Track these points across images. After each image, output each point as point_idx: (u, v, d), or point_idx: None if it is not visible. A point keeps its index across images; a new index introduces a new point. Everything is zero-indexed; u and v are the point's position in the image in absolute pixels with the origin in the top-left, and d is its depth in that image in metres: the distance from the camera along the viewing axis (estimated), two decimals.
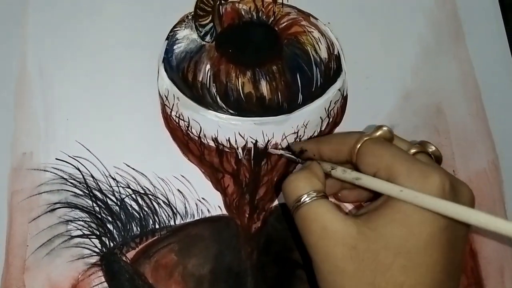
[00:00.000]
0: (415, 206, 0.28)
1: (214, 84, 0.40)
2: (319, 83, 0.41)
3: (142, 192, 0.37)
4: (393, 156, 0.30)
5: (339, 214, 0.30)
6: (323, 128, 0.40)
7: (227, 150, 0.39)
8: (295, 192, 0.31)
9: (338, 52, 0.42)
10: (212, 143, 0.39)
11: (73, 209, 0.36)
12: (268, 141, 0.39)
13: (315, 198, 0.31)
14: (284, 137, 0.39)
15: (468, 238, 0.40)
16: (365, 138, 0.32)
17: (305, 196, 0.31)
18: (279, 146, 0.39)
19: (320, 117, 0.40)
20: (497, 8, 0.46)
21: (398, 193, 0.29)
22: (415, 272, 0.28)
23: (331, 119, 0.41)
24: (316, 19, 0.43)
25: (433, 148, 0.34)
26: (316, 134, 0.40)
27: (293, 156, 0.38)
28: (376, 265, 0.28)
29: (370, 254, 0.28)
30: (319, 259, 0.30)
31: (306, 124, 0.40)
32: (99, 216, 0.36)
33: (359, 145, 0.32)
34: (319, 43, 0.42)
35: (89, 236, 0.35)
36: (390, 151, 0.31)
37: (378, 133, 0.33)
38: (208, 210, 0.37)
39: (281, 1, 0.43)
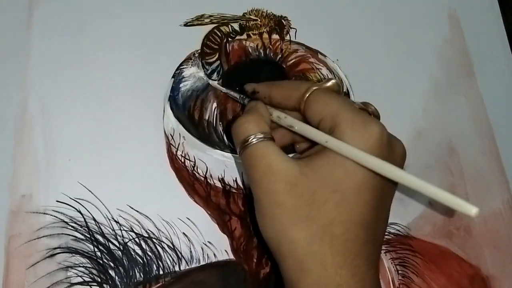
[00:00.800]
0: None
1: (220, 123, 0.39)
2: None
3: (146, 235, 0.35)
4: (339, 105, 0.32)
5: (284, 155, 0.32)
6: None
7: (234, 191, 0.38)
8: (244, 134, 0.33)
9: (347, 89, 0.41)
10: (218, 184, 0.37)
11: (74, 254, 0.34)
12: None
13: (261, 139, 0.32)
14: None
15: (485, 283, 0.38)
16: (315, 88, 0.33)
17: (253, 137, 0.32)
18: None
19: None
20: (506, 46, 0.45)
21: (324, 143, 0.31)
22: (347, 209, 0.30)
23: None
24: (325, 56, 0.42)
25: (373, 108, 0.35)
26: None
27: (236, 95, 0.39)
28: (313, 201, 0.30)
29: (308, 191, 0.30)
30: (261, 194, 0.31)
31: None
32: (101, 262, 0.34)
33: (309, 93, 0.33)
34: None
35: (90, 283, 0.34)
36: (337, 100, 0.33)
37: (328, 84, 0.34)
38: (214, 254, 0.36)
39: (289, 38, 0.42)
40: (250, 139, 0.32)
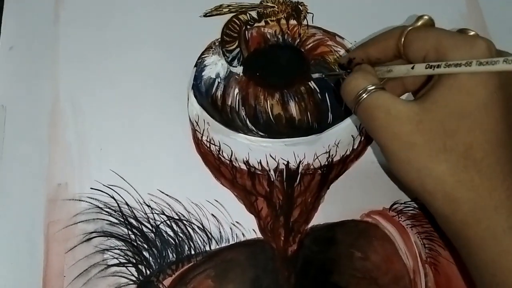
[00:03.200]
0: (467, 74, 0.30)
1: (243, 108, 0.40)
2: None
3: (177, 218, 0.37)
4: (438, 35, 0.32)
5: (399, 99, 0.32)
6: (355, 146, 0.40)
7: (259, 172, 0.39)
8: (355, 90, 0.33)
9: None
10: (243, 166, 0.39)
11: (109, 237, 0.36)
12: (300, 161, 0.39)
13: (374, 90, 0.33)
14: (316, 157, 0.39)
15: None
16: (409, 28, 0.34)
17: (363, 90, 0.33)
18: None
19: (352, 136, 0.40)
20: None
21: (443, 69, 0.31)
22: (481, 131, 0.30)
23: (363, 137, 0.40)
24: (342, 38, 0.43)
25: (473, 32, 0.34)
26: (348, 152, 0.40)
27: (336, 71, 0.40)
28: (444, 131, 0.30)
29: (436, 123, 0.30)
30: (388, 141, 0.32)
31: (338, 143, 0.39)
32: (135, 244, 0.36)
33: (404, 35, 0.34)
34: None
35: (126, 265, 0.35)
36: (434, 32, 0.33)
37: (420, 22, 0.35)
38: (242, 234, 0.37)
39: (306, 23, 0.43)
40: (362, 93, 0.33)
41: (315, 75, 0.40)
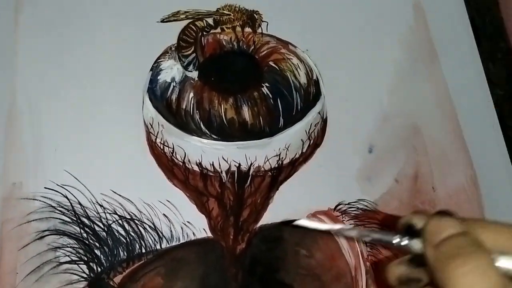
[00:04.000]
0: None
1: (197, 111, 0.41)
2: (299, 107, 0.42)
3: (129, 217, 0.38)
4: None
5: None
6: (304, 150, 0.42)
7: (211, 174, 0.40)
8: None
9: (317, 77, 0.44)
10: (196, 168, 0.40)
11: (62, 236, 0.37)
12: (251, 164, 0.40)
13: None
14: (266, 159, 0.41)
15: None
16: None
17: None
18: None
19: (301, 140, 0.42)
20: (469, 30, 0.48)
21: None
22: None
23: (312, 141, 0.42)
24: (295, 46, 0.45)
25: None
26: (297, 156, 0.41)
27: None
28: None
29: None
30: None
31: (288, 147, 0.41)
32: (87, 242, 0.37)
33: None
34: (298, 69, 0.43)
35: (77, 262, 0.36)
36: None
37: None
38: (193, 233, 0.38)
39: (260, 31, 0.45)
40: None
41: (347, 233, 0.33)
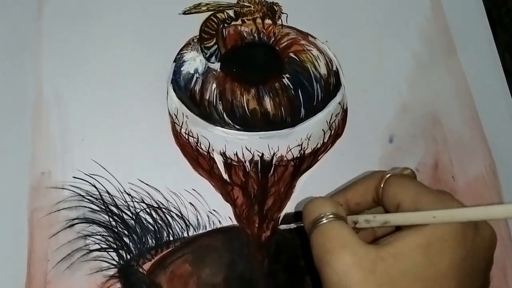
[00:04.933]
0: (437, 236, 0.29)
1: (220, 102, 0.42)
2: (320, 98, 0.43)
3: (156, 206, 0.39)
4: (418, 188, 0.32)
5: (359, 239, 0.30)
6: (325, 140, 0.42)
7: (235, 163, 0.41)
8: (317, 211, 0.32)
9: (337, 68, 0.44)
10: (220, 158, 0.41)
11: (91, 224, 0.37)
12: (274, 153, 0.41)
13: (335, 218, 0.31)
14: (289, 149, 0.41)
15: None
16: (390, 174, 0.34)
17: (326, 215, 0.31)
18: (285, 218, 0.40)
19: (323, 130, 0.42)
20: (486, 22, 0.48)
21: (432, 219, 0.29)
22: None
23: (333, 131, 0.43)
24: (315, 38, 0.45)
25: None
26: (319, 145, 0.42)
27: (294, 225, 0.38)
28: None
29: (388, 279, 0.28)
30: (333, 280, 0.29)
31: (309, 137, 0.42)
32: (116, 230, 0.37)
33: (385, 179, 0.33)
34: (318, 60, 0.44)
35: (107, 250, 0.37)
36: (415, 184, 0.33)
37: (404, 172, 0.35)
38: (219, 221, 0.39)
39: (280, 23, 0.45)
40: (322, 217, 0.31)
41: (283, 227, 0.39)
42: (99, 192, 0.38)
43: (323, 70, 0.44)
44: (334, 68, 0.44)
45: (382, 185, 0.33)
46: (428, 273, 0.29)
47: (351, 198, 0.35)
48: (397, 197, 0.32)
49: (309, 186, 0.41)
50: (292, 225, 0.38)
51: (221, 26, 0.44)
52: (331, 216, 0.31)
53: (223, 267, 0.38)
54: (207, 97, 0.42)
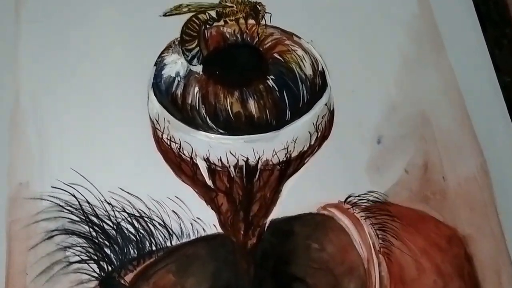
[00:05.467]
0: None
1: (203, 106, 0.41)
2: (305, 99, 0.42)
3: (138, 215, 0.37)
4: None
5: None
6: (312, 143, 0.41)
7: (219, 169, 0.40)
8: None
9: (323, 68, 0.43)
10: (204, 163, 0.40)
11: (71, 235, 0.36)
12: (259, 158, 0.40)
13: None
14: (274, 153, 0.40)
15: (462, 242, 0.40)
16: None
17: None
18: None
19: (309, 132, 0.41)
20: (474, 17, 0.47)
21: None
22: None
23: (319, 133, 0.42)
24: (299, 37, 0.44)
25: None
26: (305, 148, 0.41)
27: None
28: None
29: None
30: None
31: (296, 140, 0.41)
32: (96, 241, 0.36)
33: None
34: (304, 61, 0.43)
35: (87, 261, 0.36)
36: None
37: None
38: (203, 229, 0.38)
39: (264, 23, 0.44)
40: None
41: None
42: (78, 202, 0.37)
43: (308, 71, 0.43)
44: (320, 69, 0.43)
45: None
46: None
47: None
48: None
49: (296, 191, 0.40)
50: None
51: (203, 28, 0.43)
52: None
53: (208, 276, 0.37)
54: (189, 101, 0.41)
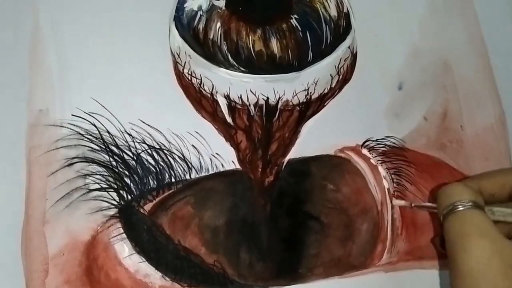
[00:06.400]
0: None
1: (225, 42, 0.40)
2: (328, 41, 0.41)
3: (158, 147, 0.38)
4: None
5: (498, 230, 0.30)
6: (333, 85, 0.41)
7: (239, 106, 0.39)
8: (455, 197, 0.32)
9: (348, 10, 0.42)
10: (224, 100, 0.39)
11: (91, 163, 0.36)
12: (279, 98, 0.40)
13: (473, 206, 0.31)
14: (294, 94, 0.40)
15: None
16: None
17: (464, 202, 0.31)
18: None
19: (330, 75, 0.41)
20: None
21: None
22: None
23: (341, 76, 0.41)
24: None
25: None
26: (326, 91, 0.41)
27: (428, 204, 0.38)
28: None
29: None
30: (467, 267, 0.29)
31: (317, 82, 0.40)
32: (116, 170, 0.37)
33: None
34: (329, 1, 0.42)
35: (107, 190, 0.36)
36: None
37: None
38: (222, 164, 0.38)
39: None
40: (460, 204, 0.31)
41: (400, 203, 0.38)
42: (99, 131, 0.37)
43: (333, 12, 0.42)
44: (345, 10, 0.42)
45: None
46: None
47: (486, 187, 0.34)
48: None
49: (315, 132, 0.40)
50: (408, 204, 0.38)
51: None
52: (470, 203, 0.31)
53: (225, 210, 0.37)
54: (211, 37, 0.40)
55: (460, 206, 0.31)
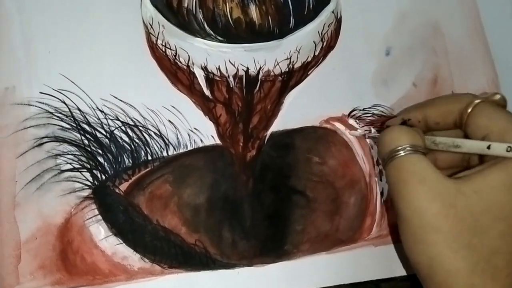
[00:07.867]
0: None
1: (200, 10, 0.38)
2: (311, 6, 0.39)
3: (132, 124, 0.36)
4: (509, 119, 0.30)
5: (439, 171, 0.29)
6: (316, 53, 0.39)
7: (217, 78, 0.38)
8: (394, 143, 0.31)
9: None
10: (201, 72, 0.37)
11: (61, 143, 0.35)
12: (260, 68, 0.38)
13: (413, 151, 0.30)
14: (276, 63, 0.38)
15: None
16: (479, 100, 0.32)
17: (403, 147, 0.30)
18: (360, 127, 0.38)
19: (314, 42, 0.39)
20: None
21: (505, 153, 0.29)
22: None
23: (325, 43, 0.39)
24: None
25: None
26: (309, 59, 0.39)
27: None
28: (474, 226, 0.28)
29: (469, 215, 0.28)
30: (410, 213, 0.29)
31: (299, 50, 0.38)
32: (89, 149, 0.35)
33: (472, 106, 0.32)
34: None
35: (80, 170, 0.35)
36: (506, 115, 0.31)
37: (494, 98, 0.33)
38: (201, 140, 0.37)
39: None
40: (400, 150, 0.30)
41: (355, 133, 0.38)
42: (69, 109, 0.35)
43: None
44: None
45: (469, 111, 0.32)
46: (510, 212, 0.28)
47: (431, 116, 0.34)
48: (485, 127, 0.31)
49: (298, 103, 0.38)
50: (364, 132, 0.37)
51: None
52: (409, 148, 0.30)
53: (206, 187, 0.36)
54: (185, 5, 0.38)
55: (400, 152, 0.30)
